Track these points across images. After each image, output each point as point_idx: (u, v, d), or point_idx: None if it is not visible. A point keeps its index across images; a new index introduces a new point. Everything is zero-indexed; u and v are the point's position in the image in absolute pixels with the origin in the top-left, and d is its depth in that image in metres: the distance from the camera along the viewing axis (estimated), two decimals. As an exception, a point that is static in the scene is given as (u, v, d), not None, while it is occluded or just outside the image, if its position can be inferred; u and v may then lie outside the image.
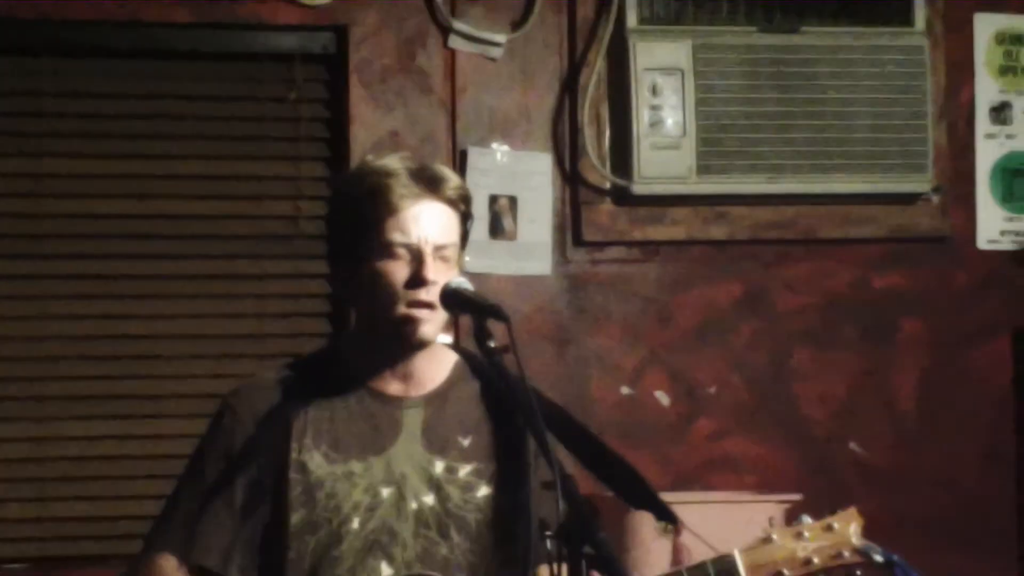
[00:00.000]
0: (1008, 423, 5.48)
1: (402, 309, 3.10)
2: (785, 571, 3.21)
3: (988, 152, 5.53)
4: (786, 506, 4.78)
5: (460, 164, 5.15)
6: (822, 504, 3.32)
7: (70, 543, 5.06)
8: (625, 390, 5.29)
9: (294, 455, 3.18)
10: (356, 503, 3.17)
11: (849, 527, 3.21)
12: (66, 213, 5.12)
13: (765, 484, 5.20)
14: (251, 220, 5.24)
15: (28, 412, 5.05)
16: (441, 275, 3.10)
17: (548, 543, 2.92)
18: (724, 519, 4.34)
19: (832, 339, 5.44)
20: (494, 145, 5.23)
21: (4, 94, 5.12)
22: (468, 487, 3.21)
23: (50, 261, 5.10)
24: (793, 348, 5.41)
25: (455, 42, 5.23)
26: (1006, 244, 5.53)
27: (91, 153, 5.15)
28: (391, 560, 3.17)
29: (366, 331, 3.27)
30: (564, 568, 2.85)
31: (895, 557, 3.18)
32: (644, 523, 4.55)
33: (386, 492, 3.18)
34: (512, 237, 5.20)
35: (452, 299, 3.08)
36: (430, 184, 3.14)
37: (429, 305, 3.10)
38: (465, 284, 3.09)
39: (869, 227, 5.47)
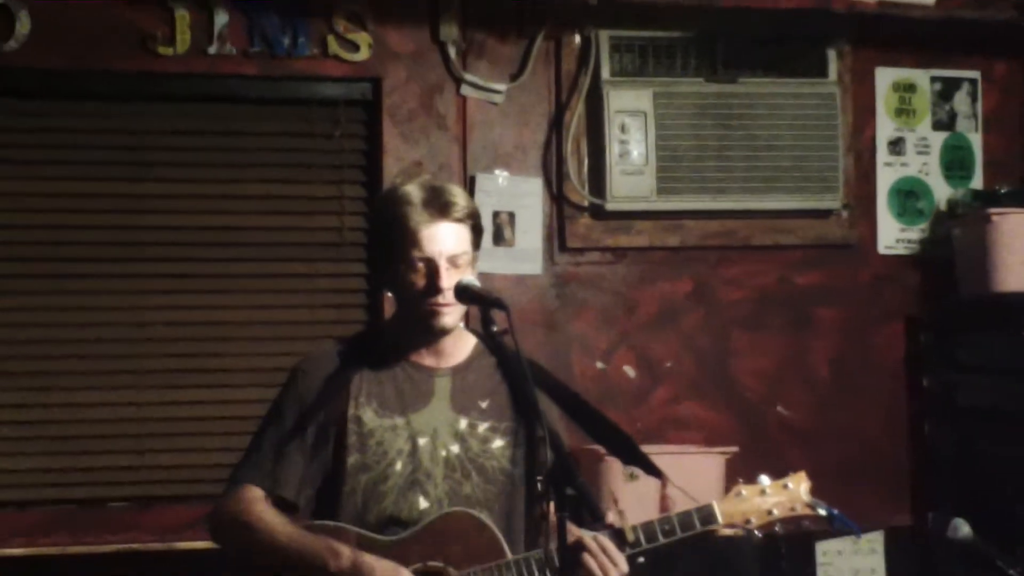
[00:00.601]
0: (902, 390, 5.61)
1: (426, 306, 3.26)
2: (752, 519, 3.32)
3: (886, 177, 5.63)
4: (726, 456, 4.96)
5: (470, 186, 5.19)
6: (755, 455, 3.50)
7: (160, 485, 5.06)
8: (599, 365, 5.41)
9: (351, 410, 3.30)
10: (399, 450, 3.29)
11: (800, 486, 3.34)
12: (164, 226, 5.12)
13: (710, 439, 5.29)
14: (304, 231, 5.25)
15: (130, 383, 5.07)
16: (455, 278, 3.23)
17: (539, 485, 3.08)
18: (678, 467, 4.49)
19: (762, 325, 5.55)
20: (496, 172, 5.31)
21: (115, 132, 5.11)
22: (485, 440, 3.33)
23: (150, 263, 5.10)
24: (732, 332, 5.52)
25: (466, 90, 5.29)
26: (900, 250, 5.64)
27: (182, 178, 5.16)
28: (426, 495, 3.27)
29: (404, 318, 3.35)
30: (551, 505, 2.97)
31: (835, 511, 3.34)
32: (613, 470, 4.71)
33: (422, 442, 3.30)
34: (511, 244, 5.28)
35: (463, 293, 3.22)
36: (441, 209, 3.25)
37: (447, 303, 3.25)
38: (474, 282, 3.25)
39: (792, 236, 5.54)
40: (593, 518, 3.16)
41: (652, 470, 3.49)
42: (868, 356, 5.62)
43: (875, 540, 5.43)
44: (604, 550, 3.16)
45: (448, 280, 3.24)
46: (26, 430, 5.04)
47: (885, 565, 5.44)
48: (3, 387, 5.03)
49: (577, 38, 5.39)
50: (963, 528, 4.69)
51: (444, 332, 3.33)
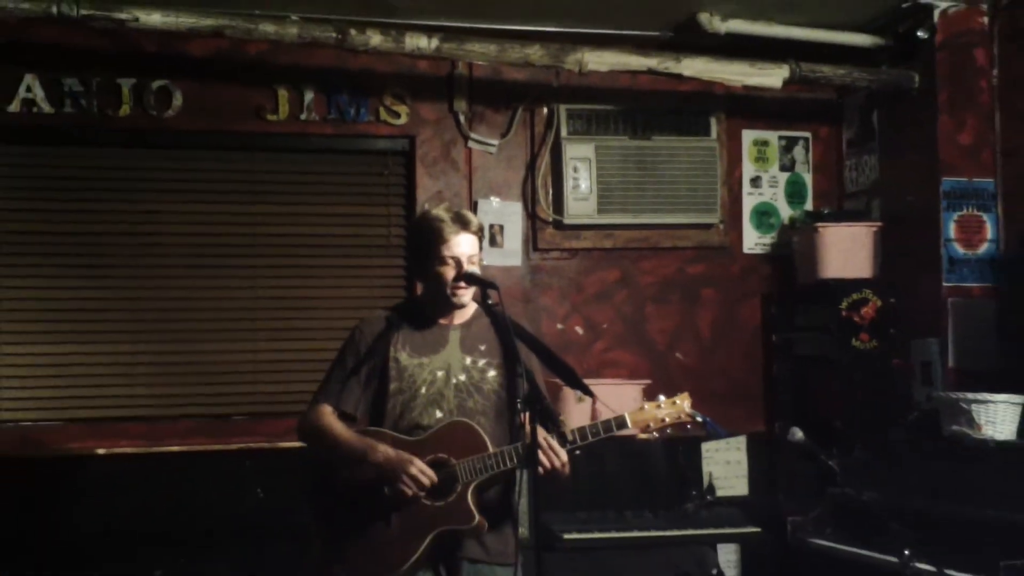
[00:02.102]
0: (758, 344, 5.59)
1: (451, 289, 3.32)
2: (651, 424, 3.33)
3: (749, 202, 5.60)
4: (642, 387, 4.94)
5: (474, 208, 5.19)
6: (661, 385, 3.49)
7: (268, 405, 5.05)
8: (559, 326, 5.40)
9: (392, 353, 3.35)
10: (424, 379, 3.33)
11: (685, 402, 3.36)
12: (271, 234, 5.12)
13: (632, 375, 5.32)
14: (363, 238, 5.23)
15: (248, 337, 5.08)
16: (472, 271, 3.33)
17: (518, 404, 3.19)
18: (610, 393, 4.55)
19: (666, 300, 5.52)
20: (492, 198, 5.30)
21: (238, 171, 5.11)
22: (483, 371, 3.37)
23: (261, 258, 5.09)
24: (646, 304, 5.51)
25: (472, 144, 5.29)
26: (758, 251, 5.62)
27: (282, 202, 5.14)
28: (442, 409, 3.31)
29: (432, 296, 3.39)
30: (526, 416, 3.08)
31: (708, 419, 3.39)
32: (569, 396, 4.74)
33: (440, 373, 3.34)
34: (501, 246, 5.27)
35: (468, 278, 3.31)
36: (464, 224, 3.33)
37: (465, 288, 3.33)
38: (476, 270, 3.33)
39: (686, 241, 5.51)
40: (555, 426, 3.20)
41: (588, 392, 3.52)
42: (736, 321, 5.61)
43: (740, 442, 5.39)
44: (551, 448, 3.18)
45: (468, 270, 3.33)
46: (177, 368, 5.05)
47: (747, 458, 5.46)
48: (162, 339, 5.02)
49: (545, 109, 5.37)
50: (798, 434, 4.74)
51: (461, 306, 3.39)
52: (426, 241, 3.34)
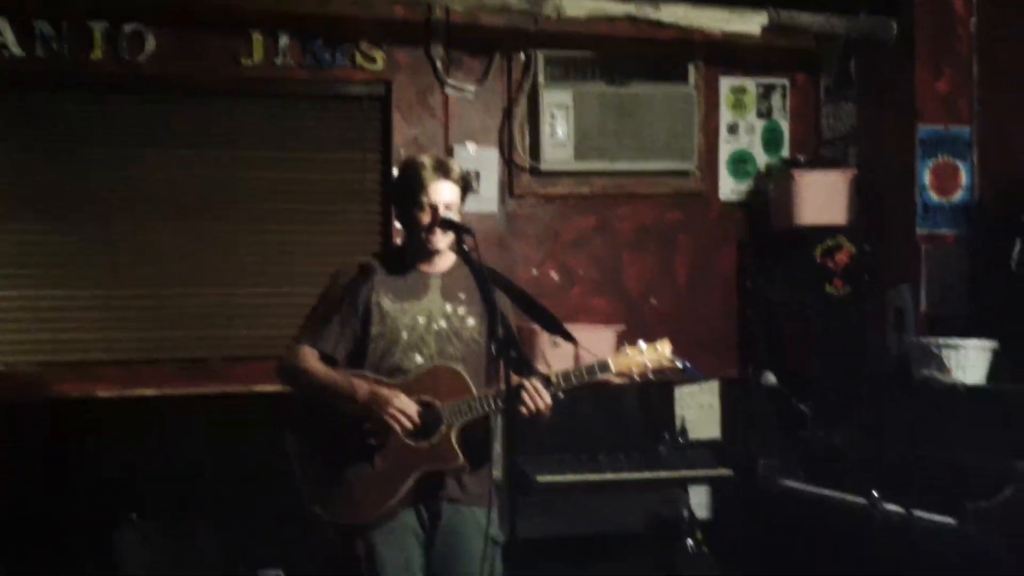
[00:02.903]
0: (732, 290, 5.59)
1: (426, 235, 3.33)
2: (634, 369, 3.33)
3: (725, 150, 5.58)
4: (618, 332, 5.00)
5: (450, 154, 5.14)
6: (637, 331, 3.50)
7: (244, 348, 5.04)
8: (535, 272, 5.40)
9: (374, 298, 3.34)
10: (405, 324, 3.33)
11: (666, 348, 3.36)
12: (248, 178, 5.07)
13: (607, 321, 5.28)
14: (339, 183, 5.18)
15: (225, 280, 5.04)
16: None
17: (493, 350, 3.20)
18: (587, 338, 4.38)
19: (643, 247, 5.51)
20: (468, 145, 5.26)
21: (213, 117, 5.06)
22: (463, 318, 3.38)
23: (237, 202, 5.05)
24: (622, 251, 5.50)
25: (448, 90, 5.25)
26: (734, 198, 5.60)
27: (259, 147, 5.10)
28: (422, 354, 3.32)
29: (410, 242, 3.40)
30: (503, 362, 3.10)
31: (688, 364, 3.37)
32: (544, 340, 4.75)
33: (421, 319, 3.35)
34: (477, 192, 5.16)
35: (443, 223, 3.31)
36: (445, 172, 3.34)
37: (439, 232, 3.32)
38: (453, 216, 3.33)
39: (663, 188, 5.50)
40: (529, 371, 3.23)
41: (569, 338, 3.53)
42: (711, 268, 5.61)
43: (713, 386, 5.43)
44: (536, 389, 3.20)
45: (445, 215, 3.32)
46: (154, 312, 5.03)
47: (720, 402, 5.51)
48: (139, 284, 5.01)
49: (522, 55, 5.33)
50: (770, 378, 4.80)
51: (437, 252, 3.39)
52: (407, 186, 3.35)
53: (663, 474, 4.82)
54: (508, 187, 5.36)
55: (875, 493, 3.71)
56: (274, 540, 4.73)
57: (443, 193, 3.33)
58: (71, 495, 4.66)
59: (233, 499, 4.45)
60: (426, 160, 3.36)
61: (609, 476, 4.73)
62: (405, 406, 3.21)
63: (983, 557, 3.54)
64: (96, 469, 4.71)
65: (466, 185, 3.43)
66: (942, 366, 4.23)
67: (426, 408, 3.25)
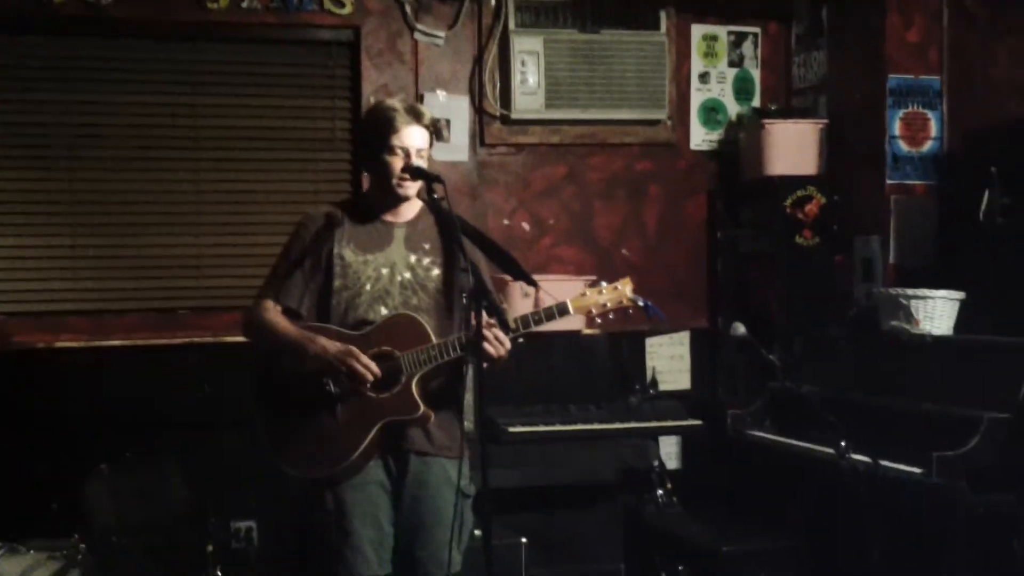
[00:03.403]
0: (703, 240, 5.59)
1: (396, 180, 3.29)
2: (594, 309, 3.31)
3: (697, 98, 5.56)
4: (588, 282, 4.94)
5: (420, 103, 4.99)
6: (608, 281, 3.48)
7: (212, 299, 5.02)
8: (505, 222, 5.38)
9: (337, 249, 3.31)
10: (368, 276, 3.31)
11: (626, 287, 3.34)
12: (213, 126, 5.02)
13: (578, 271, 5.31)
14: (308, 131, 5.14)
15: (193, 231, 5.00)
16: (418, 165, 3.28)
17: (464, 299, 3.18)
18: (556, 289, 4.44)
19: (613, 196, 5.50)
20: (438, 91, 5.22)
21: (178, 61, 4.98)
22: (428, 269, 3.35)
23: (204, 151, 5.00)
24: (593, 201, 5.49)
25: (418, 36, 5.19)
26: (705, 147, 5.58)
27: (225, 93, 5.05)
28: (387, 306, 3.30)
29: (377, 189, 3.36)
30: (472, 314, 3.06)
31: (649, 303, 3.33)
32: (515, 290, 4.70)
33: (384, 271, 3.32)
34: (447, 141, 5.19)
35: (413, 171, 3.27)
36: (416, 117, 3.30)
37: (412, 181, 3.30)
38: (422, 164, 3.29)
39: (633, 137, 5.48)
40: (499, 320, 3.18)
41: (531, 282, 3.49)
42: (681, 218, 5.61)
43: (683, 337, 5.50)
44: (496, 336, 3.17)
45: (415, 164, 3.29)
46: (121, 262, 4.99)
47: (689, 353, 5.54)
48: (104, 233, 4.96)
49: (493, 1, 5.27)
50: (740, 329, 4.78)
51: (406, 199, 3.36)
52: (376, 131, 3.30)
53: (633, 425, 4.85)
54: (479, 135, 5.32)
55: (842, 443, 3.72)
56: (246, 491, 4.76)
57: (415, 138, 3.29)
58: (39, 445, 4.63)
59: (204, 450, 4.43)
60: (397, 104, 3.33)
61: (580, 427, 4.76)
62: (361, 366, 3.18)
63: (948, 505, 3.58)
64: (64, 419, 4.68)
65: (436, 131, 3.40)
66: (910, 317, 4.25)
67: (386, 358, 3.22)
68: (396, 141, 3.27)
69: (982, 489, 3.58)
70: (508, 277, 3.74)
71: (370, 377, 3.19)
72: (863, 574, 3.64)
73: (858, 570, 3.66)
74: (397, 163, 3.28)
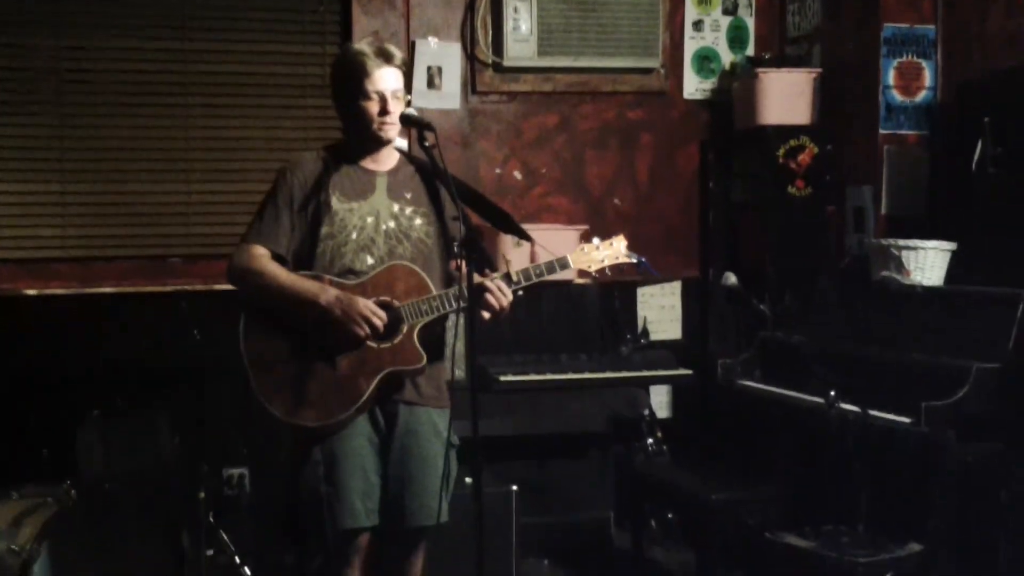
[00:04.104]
0: (695, 190, 5.58)
1: (377, 124, 3.25)
2: (592, 265, 3.34)
3: (690, 47, 5.53)
4: (580, 232, 4.91)
5: (411, 49, 5.10)
6: (598, 231, 3.48)
7: (202, 247, 5.00)
8: (497, 171, 5.36)
9: (323, 197, 3.26)
10: (354, 224, 3.27)
11: (621, 244, 3.37)
12: (203, 71, 4.98)
13: (569, 221, 5.33)
14: (299, 76, 5.09)
15: (182, 178, 4.98)
16: (396, 106, 3.24)
17: (455, 249, 3.15)
18: (548, 239, 4.44)
19: (605, 145, 5.47)
20: (430, 39, 5.18)
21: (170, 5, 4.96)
22: (411, 218, 3.32)
23: (193, 96, 4.97)
24: (585, 150, 5.47)
25: None
26: (698, 96, 5.56)
27: (215, 39, 5.01)
28: (372, 255, 3.26)
29: (355, 137, 3.32)
30: (463, 263, 3.03)
31: (643, 259, 3.36)
32: (506, 241, 4.67)
33: (369, 219, 3.28)
34: (439, 88, 5.18)
35: (406, 119, 3.22)
36: (387, 58, 3.24)
37: (391, 122, 3.25)
38: (413, 112, 3.24)
39: (626, 85, 5.45)
40: (491, 270, 3.19)
41: (524, 235, 3.51)
42: (673, 167, 5.59)
43: (675, 286, 5.50)
44: (499, 287, 3.17)
45: (392, 106, 3.25)
46: (110, 209, 4.97)
47: (680, 303, 5.53)
48: (93, 179, 4.93)
49: (487, -53, 5.21)
50: (731, 279, 4.81)
51: (389, 142, 3.32)
52: (349, 77, 3.25)
53: (624, 374, 4.85)
54: (470, 83, 5.28)
55: (832, 393, 3.73)
56: (238, 439, 4.77)
57: (388, 80, 3.24)
58: (30, 393, 4.63)
59: (195, 398, 4.42)
60: (366, 48, 3.26)
61: (571, 376, 4.76)
62: (372, 313, 3.15)
63: (936, 455, 3.59)
64: (55, 367, 4.67)
65: (408, 73, 3.34)
66: (901, 267, 4.24)
67: (386, 308, 3.20)
68: (370, 86, 3.22)
69: (970, 439, 3.60)
70: (497, 228, 3.69)
71: (378, 324, 3.16)
72: (851, 523, 3.66)
73: (846, 519, 3.68)
74: (373, 108, 3.23)
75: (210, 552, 4.39)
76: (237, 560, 4.34)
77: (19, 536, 3.44)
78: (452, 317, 3.36)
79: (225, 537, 4.39)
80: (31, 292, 4.81)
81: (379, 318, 3.16)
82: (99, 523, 3.56)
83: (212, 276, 4.85)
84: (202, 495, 4.34)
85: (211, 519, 4.41)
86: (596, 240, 3.37)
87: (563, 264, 3.31)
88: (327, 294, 3.16)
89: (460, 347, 3.70)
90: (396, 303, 3.22)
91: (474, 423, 2.94)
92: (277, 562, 4.67)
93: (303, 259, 3.28)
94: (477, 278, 3.17)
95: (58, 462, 4.07)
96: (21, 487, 3.76)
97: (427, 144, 3.17)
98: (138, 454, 4.21)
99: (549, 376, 4.73)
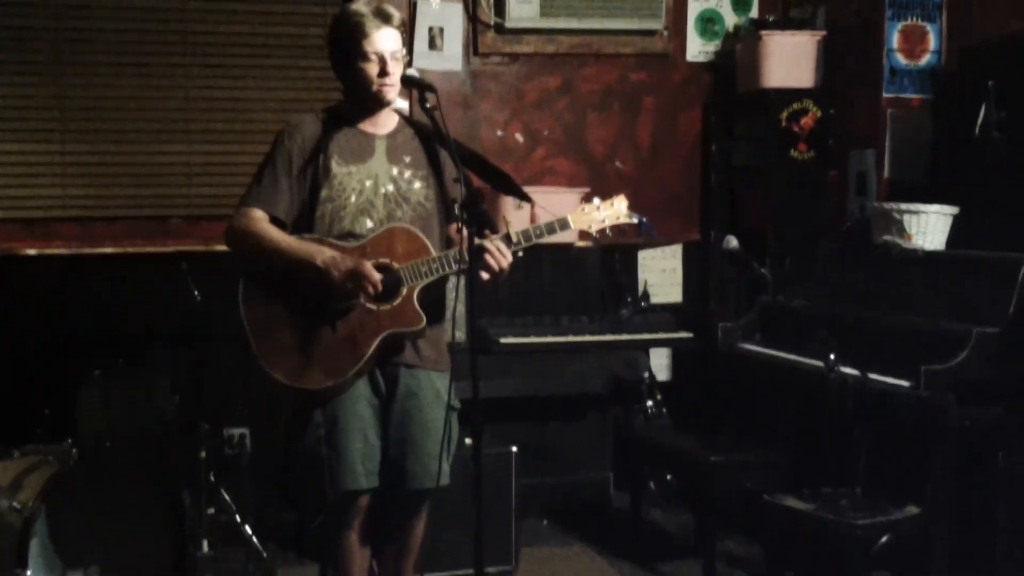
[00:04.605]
0: (696, 153, 5.56)
1: (376, 86, 3.21)
2: (592, 225, 3.29)
3: (694, 9, 5.49)
4: (581, 194, 4.84)
5: (413, 10, 5.07)
6: (599, 194, 3.43)
7: (203, 208, 4.98)
8: (499, 133, 5.34)
9: (322, 161, 3.23)
10: (353, 187, 3.24)
11: (621, 204, 3.33)
12: (206, 31, 4.95)
13: (571, 184, 5.30)
14: (297, 37, 5.06)
15: (182, 138, 4.95)
16: (396, 68, 3.21)
17: (456, 210, 3.07)
18: (550, 201, 4.44)
19: (607, 108, 5.46)
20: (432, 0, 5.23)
21: None
22: (410, 182, 3.30)
23: (196, 56, 4.93)
24: (587, 113, 5.44)
25: None
26: (701, 59, 5.53)
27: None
28: (371, 218, 3.24)
29: (354, 99, 3.29)
30: (464, 225, 2.97)
31: (644, 219, 3.33)
32: (507, 203, 4.66)
33: (368, 183, 3.26)
34: (441, 50, 5.15)
35: (407, 80, 3.21)
36: (385, 18, 3.20)
37: (391, 84, 3.22)
38: (414, 72, 3.25)
39: (629, 47, 5.42)
40: (491, 231, 3.14)
41: (524, 197, 3.50)
42: (675, 130, 5.57)
43: (676, 250, 5.50)
44: (498, 248, 3.14)
45: (392, 68, 3.21)
46: (110, 169, 4.94)
47: (681, 266, 5.53)
48: (93, 139, 4.90)
49: (488, -93, 5.15)
50: (732, 242, 4.79)
51: (389, 104, 3.29)
52: (347, 38, 3.21)
53: (624, 337, 4.87)
54: (472, 44, 5.25)
55: (832, 356, 3.73)
56: (239, 399, 4.78)
57: (387, 41, 3.20)
58: (31, 352, 4.64)
59: (196, 358, 4.42)
60: (364, 8, 3.22)
61: (571, 339, 4.77)
62: (369, 271, 3.13)
63: (935, 419, 3.59)
64: (56, 327, 4.68)
65: (405, 32, 3.31)
66: (903, 231, 4.22)
67: (385, 270, 3.18)
68: (368, 47, 3.18)
69: (970, 403, 3.59)
70: (496, 190, 3.66)
71: (377, 286, 3.14)
72: (849, 486, 3.66)
73: (844, 482, 3.68)
74: (372, 69, 3.20)
75: (211, 511, 4.41)
76: (238, 519, 4.36)
77: (21, 494, 3.45)
78: (453, 279, 3.34)
79: (226, 496, 4.41)
80: (31, 252, 4.81)
81: (377, 279, 3.13)
82: (100, 482, 3.56)
83: (213, 237, 4.82)
84: (203, 455, 4.36)
85: (212, 479, 4.42)
86: (597, 200, 3.34)
87: (563, 225, 3.27)
88: (324, 255, 3.14)
89: (461, 309, 3.68)
90: (395, 265, 3.20)
91: (474, 385, 2.92)
92: (278, 521, 4.72)
93: (303, 223, 3.26)
94: (476, 240, 3.11)
95: (59, 422, 4.07)
96: (22, 446, 3.77)
97: (428, 106, 3.13)
98: (139, 414, 4.21)
99: (550, 338, 4.73)
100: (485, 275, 3.15)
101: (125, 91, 4.93)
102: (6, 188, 4.84)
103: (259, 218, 3.22)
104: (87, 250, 4.85)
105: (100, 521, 3.53)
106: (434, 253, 3.22)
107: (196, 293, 4.34)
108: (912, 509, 3.49)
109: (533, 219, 4.58)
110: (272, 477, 4.73)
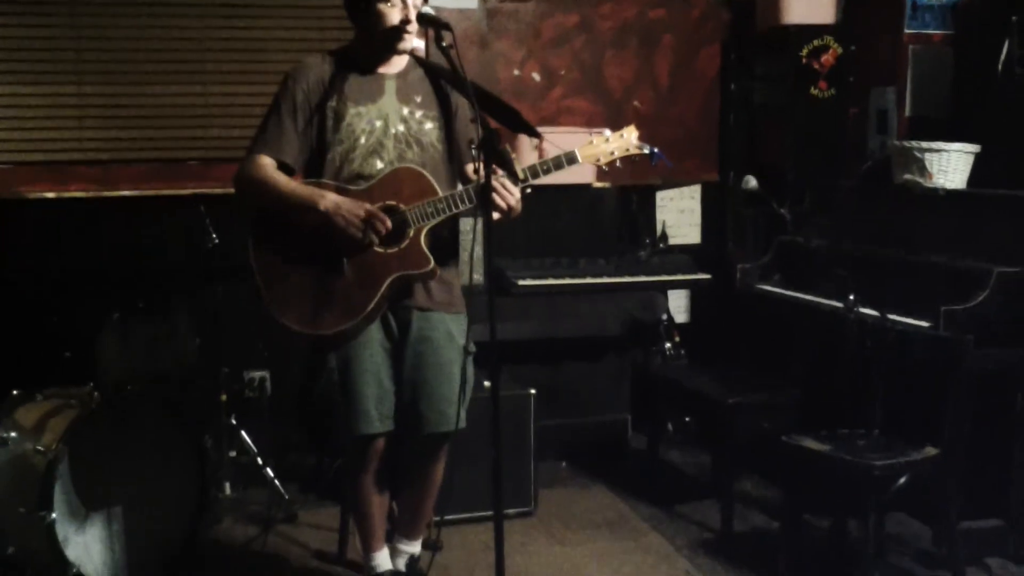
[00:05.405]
0: (715, 92, 5.51)
1: (397, 32, 3.16)
2: (601, 158, 3.23)
3: (712, -56, 5.41)
4: (598, 135, 5.03)
5: None
6: None
7: (219, 151, 4.94)
8: (516, 72, 5.28)
9: (331, 103, 3.20)
10: (363, 129, 3.21)
11: (632, 135, 3.24)
12: None
13: (588, 123, 5.21)
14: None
15: (198, 80, 4.93)
16: (414, 15, 3.16)
17: (473, 151, 3.04)
18: (567, 141, 4.45)
19: (624, 46, 5.39)
20: (446, -64, 5.08)
21: None
22: (421, 122, 3.27)
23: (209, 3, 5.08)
24: (605, 51, 5.38)
25: None
26: (720, -4, 5.46)
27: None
28: (382, 159, 3.21)
29: (369, 42, 3.23)
30: (481, 165, 2.88)
31: (655, 149, 3.23)
32: (523, 141, 4.70)
33: (378, 123, 3.23)
34: None
35: (422, 17, 3.14)
36: None
37: (411, 31, 3.18)
38: (430, 11, 3.14)
39: (647, -16, 5.35)
40: (508, 172, 3.06)
41: (534, 132, 3.43)
42: (694, 69, 5.50)
43: (694, 190, 5.48)
44: (504, 186, 3.08)
45: (412, 15, 3.17)
46: (127, 111, 4.91)
47: (700, 206, 5.50)
48: (112, 82, 4.87)
49: None
50: (751, 182, 4.76)
51: (407, 50, 3.24)
52: None
53: (642, 279, 4.85)
54: (488, -17, 5.20)
55: (851, 297, 3.70)
56: (258, 342, 4.80)
57: None
58: (51, 295, 4.66)
59: (215, 301, 4.44)
60: None
61: (589, 280, 4.75)
62: (374, 218, 3.11)
63: (954, 359, 3.57)
64: (75, 269, 4.70)
65: None
66: (923, 170, 4.18)
67: (391, 212, 3.15)
68: None
69: (988, 344, 3.58)
70: (506, 127, 3.61)
71: (381, 229, 3.12)
72: (867, 427, 3.65)
73: (862, 423, 3.67)
74: (394, 13, 3.15)
75: (232, 453, 4.48)
76: (259, 461, 4.41)
77: (44, 437, 3.48)
78: (470, 221, 3.30)
79: (247, 438, 4.45)
80: (50, 195, 4.81)
81: (381, 221, 3.12)
82: (121, 425, 3.59)
83: (230, 179, 4.71)
84: (224, 397, 4.41)
85: (232, 421, 4.47)
86: (607, 132, 3.27)
87: (571, 158, 3.22)
88: (326, 200, 3.12)
89: (479, 251, 3.64)
90: (402, 207, 3.17)
91: (492, 327, 2.89)
92: (298, 463, 4.75)
93: (313, 166, 3.24)
94: (480, 179, 3.07)
95: (80, 364, 4.09)
96: (45, 389, 3.79)
97: (444, 44, 3.07)
98: (159, 357, 4.22)
99: (567, 280, 4.72)
100: (496, 215, 3.10)
101: (142, 31, 4.89)
102: (24, 131, 4.83)
103: (265, 164, 3.20)
104: (105, 193, 4.85)
105: (122, 464, 3.56)
106: (440, 193, 3.18)
107: (214, 235, 4.34)
108: (930, 450, 3.48)
109: (541, 154, 4.55)
110: (292, 419, 4.76)
